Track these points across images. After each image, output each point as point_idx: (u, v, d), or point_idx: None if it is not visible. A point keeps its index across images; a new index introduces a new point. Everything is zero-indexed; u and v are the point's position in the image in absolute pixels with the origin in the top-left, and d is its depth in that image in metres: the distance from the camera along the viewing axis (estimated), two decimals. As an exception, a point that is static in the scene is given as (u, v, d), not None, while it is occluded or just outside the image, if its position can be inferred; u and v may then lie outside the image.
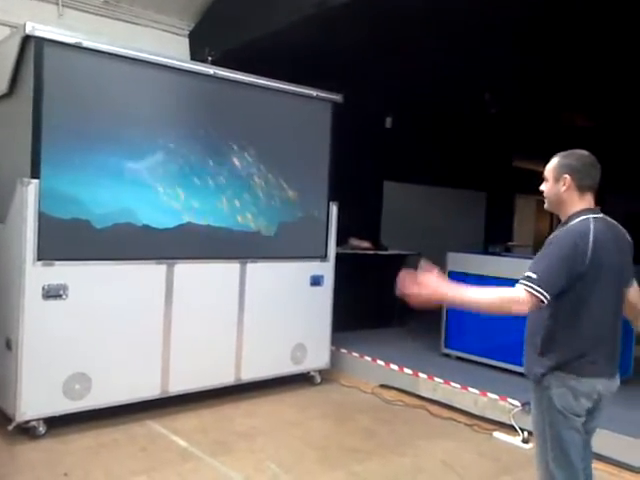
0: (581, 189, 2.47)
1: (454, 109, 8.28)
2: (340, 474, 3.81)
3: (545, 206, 2.62)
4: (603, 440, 4.15)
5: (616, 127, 9.06)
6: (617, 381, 2.54)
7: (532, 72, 6.63)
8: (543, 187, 2.57)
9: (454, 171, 9.55)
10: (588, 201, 2.49)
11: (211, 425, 4.50)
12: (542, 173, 2.58)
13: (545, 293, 2.28)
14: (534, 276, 2.30)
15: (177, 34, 6.55)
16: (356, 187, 7.52)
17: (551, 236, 2.46)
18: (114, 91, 4.31)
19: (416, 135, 8.77)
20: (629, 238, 2.59)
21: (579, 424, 2.43)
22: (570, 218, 2.47)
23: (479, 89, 7.40)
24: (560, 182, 2.48)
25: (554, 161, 2.54)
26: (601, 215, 2.49)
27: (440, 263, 6.19)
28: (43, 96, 3.94)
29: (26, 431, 4.04)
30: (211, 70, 4.82)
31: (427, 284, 2.37)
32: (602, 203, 2.58)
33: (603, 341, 2.45)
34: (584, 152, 2.54)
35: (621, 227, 2.57)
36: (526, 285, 2.30)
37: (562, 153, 2.55)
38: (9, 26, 5.13)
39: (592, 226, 2.39)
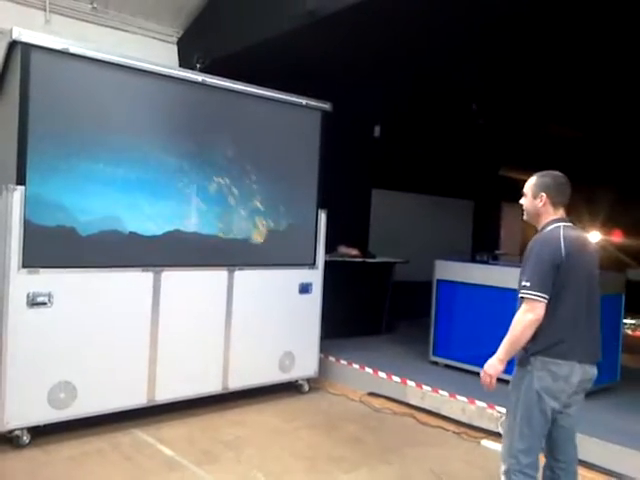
0: (555, 205, 2.94)
1: (442, 119, 8.34)
2: (328, 483, 3.79)
3: (524, 217, 3.07)
4: (591, 447, 4.18)
5: (602, 138, 9.16)
6: (595, 370, 2.90)
7: (519, 83, 6.70)
8: (523, 201, 3.03)
9: (442, 180, 9.60)
10: (560, 213, 2.95)
11: (198, 434, 4.46)
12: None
13: (542, 293, 2.72)
14: (528, 284, 2.74)
15: (166, 41, 6.53)
16: (345, 195, 7.53)
17: (530, 243, 2.89)
18: (101, 98, 4.29)
19: (404, 144, 8.82)
20: (594, 243, 3.09)
21: (550, 408, 2.79)
22: (544, 227, 2.93)
23: (467, 100, 7.47)
24: (537, 199, 2.95)
25: (533, 180, 3.00)
26: (570, 224, 2.94)
27: (428, 271, 6.28)
28: (29, 102, 3.91)
29: (9, 440, 3.98)
30: (200, 77, 4.81)
31: (486, 372, 2.86)
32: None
33: (579, 328, 2.82)
34: (558, 173, 2.99)
35: (586, 234, 3.11)
36: (525, 294, 2.75)
37: (540, 173, 2.99)
38: (-5, 31, 5.09)
39: (562, 230, 2.85)
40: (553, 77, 6.36)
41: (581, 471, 4.10)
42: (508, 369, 2.93)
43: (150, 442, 4.25)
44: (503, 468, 2.86)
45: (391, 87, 6.80)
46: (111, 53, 4.31)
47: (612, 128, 8.55)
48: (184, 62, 6.31)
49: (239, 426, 4.70)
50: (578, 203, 11.39)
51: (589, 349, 2.86)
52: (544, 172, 3.00)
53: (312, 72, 5.95)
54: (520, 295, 2.78)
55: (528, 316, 2.72)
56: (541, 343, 2.77)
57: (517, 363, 2.90)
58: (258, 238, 5.21)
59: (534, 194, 2.96)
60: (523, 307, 2.76)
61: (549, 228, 2.89)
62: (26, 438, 4.01)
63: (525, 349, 2.81)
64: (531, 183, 3.00)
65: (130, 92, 4.47)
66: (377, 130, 8.42)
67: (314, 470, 3.99)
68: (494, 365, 2.81)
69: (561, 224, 2.89)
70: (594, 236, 12.45)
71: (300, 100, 5.38)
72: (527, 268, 2.79)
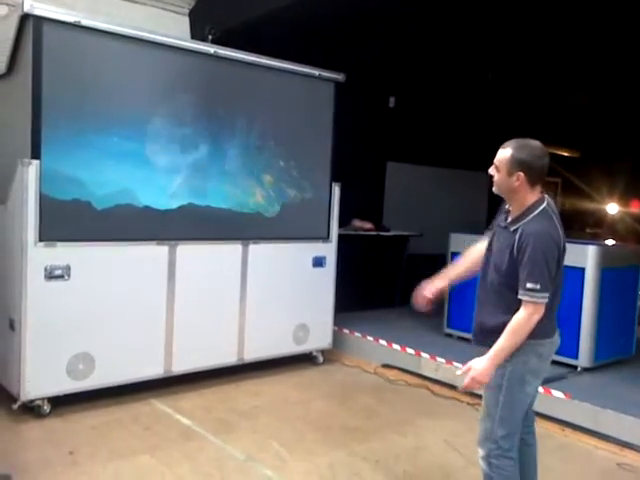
0: (533, 184, 2.57)
1: (458, 89, 8.21)
2: (342, 453, 3.84)
3: (493, 189, 2.70)
4: (606, 419, 4.19)
5: (620, 107, 8.98)
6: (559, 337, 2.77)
7: (535, 51, 6.56)
8: (493, 173, 2.64)
9: (457, 151, 9.49)
10: (538, 190, 2.61)
11: (214, 404, 4.53)
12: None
13: (547, 294, 2.49)
14: (538, 286, 2.46)
15: (177, 12, 6.45)
16: (359, 168, 7.48)
17: (523, 236, 2.51)
18: (114, 70, 4.27)
19: (419, 115, 8.71)
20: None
21: (535, 388, 2.68)
22: (529, 210, 2.58)
23: (482, 69, 7.33)
24: (513, 177, 2.55)
25: (507, 153, 2.57)
26: (549, 200, 2.64)
27: (443, 244, 6.25)
28: (42, 76, 3.90)
29: (31, 410, 4.08)
30: (211, 49, 4.77)
31: (477, 380, 2.55)
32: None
33: (557, 305, 2.68)
34: (536, 144, 2.58)
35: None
36: (532, 297, 2.48)
37: (514, 144, 2.57)
38: (7, 5, 5.07)
39: (552, 214, 2.58)
40: (570, 44, 6.22)
41: (596, 442, 4.15)
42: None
43: (168, 412, 4.33)
44: (482, 453, 2.69)
45: (406, 56, 6.69)
46: (123, 25, 4.27)
47: (630, 97, 8.36)
48: (196, 34, 6.25)
49: (255, 396, 4.76)
50: (595, 174, 11.29)
51: (555, 319, 2.72)
52: (520, 142, 2.57)
53: (325, 42, 5.86)
54: (528, 300, 2.48)
55: (534, 319, 2.49)
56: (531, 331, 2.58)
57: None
58: (272, 212, 5.20)
59: (509, 171, 2.55)
60: (529, 311, 2.48)
61: (536, 212, 2.56)
62: (47, 408, 4.10)
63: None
64: (505, 157, 2.57)
65: (142, 65, 4.44)
66: (392, 101, 8.31)
67: (329, 439, 4.05)
68: (488, 371, 2.53)
69: (544, 205, 2.58)
70: (612, 208, 12.32)
71: (313, 71, 5.32)
72: (532, 267, 2.47)
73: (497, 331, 2.55)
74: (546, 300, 2.49)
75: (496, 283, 2.64)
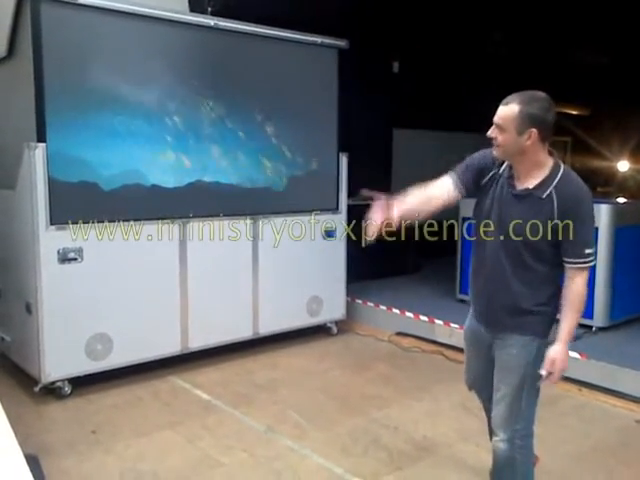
0: (545, 140, 2.32)
1: (464, 50, 8.04)
2: (361, 421, 3.88)
3: (495, 153, 2.42)
4: (624, 377, 4.20)
5: (630, 63, 8.77)
6: None
7: (542, 7, 6.40)
8: (494, 135, 2.35)
9: (465, 115, 9.36)
10: (547, 145, 2.37)
11: (232, 378, 4.58)
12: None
13: None
14: (591, 250, 2.33)
15: (175, -14, 6.34)
16: (365, 136, 7.39)
17: (564, 199, 2.29)
18: (115, 48, 4.21)
19: (425, 79, 8.56)
20: None
21: None
22: (554, 170, 2.35)
23: (489, 28, 7.17)
24: (525, 135, 2.27)
25: (514, 109, 2.27)
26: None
27: (453, 210, 6.20)
28: (43, 56, 3.86)
29: (52, 392, 4.14)
30: (212, 21, 4.69)
31: (559, 368, 2.35)
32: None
33: None
34: (543, 95, 2.31)
35: None
36: (589, 263, 2.33)
37: (520, 98, 2.28)
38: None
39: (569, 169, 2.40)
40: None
41: (613, 400, 4.16)
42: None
43: (187, 388, 4.39)
44: (504, 436, 2.49)
45: (408, 19, 6.55)
46: (120, 1, 4.19)
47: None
48: (195, 7, 6.13)
49: (272, 369, 4.81)
50: (606, 132, 11.11)
51: None
52: (526, 95, 2.29)
53: (325, 8, 5.74)
54: (584, 267, 2.32)
55: (586, 286, 2.34)
56: (558, 307, 2.43)
57: (524, 331, 2.44)
58: (280, 185, 5.18)
59: (519, 129, 2.26)
60: (583, 278, 2.33)
61: (564, 171, 2.35)
62: (68, 389, 4.16)
63: (539, 314, 2.42)
64: (513, 113, 2.26)
65: (142, 41, 4.38)
66: (396, 66, 8.18)
67: (347, 408, 4.09)
68: (566, 356, 2.35)
69: (559, 162, 2.39)
70: (623, 165, 12.17)
71: (315, 39, 5.22)
72: (587, 230, 2.32)
73: (536, 312, 2.41)
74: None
75: (527, 259, 2.38)
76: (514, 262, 2.41)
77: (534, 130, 2.26)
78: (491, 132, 2.37)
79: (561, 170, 2.35)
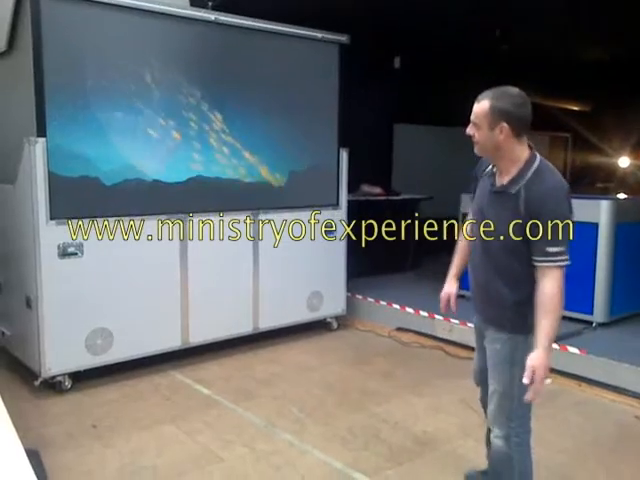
0: (518, 134, 2.30)
1: (464, 46, 8.01)
2: (361, 416, 3.89)
3: (475, 150, 2.42)
4: (623, 373, 4.20)
5: (631, 59, 8.75)
6: None
7: (544, 4, 6.37)
8: (472, 132, 2.37)
9: (466, 110, 9.35)
10: (525, 141, 2.35)
11: (232, 373, 4.59)
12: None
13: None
14: (562, 248, 2.23)
15: (175, -20, 6.32)
16: (366, 132, 7.38)
17: (532, 195, 2.26)
18: (115, 42, 4.20)
19: (426, 75, 8.54)
20: None
21: None
22: (527, 166, 2.32)
23: (490, 25, 7.14)
24: (496, 130, 2.28)
25: (485, 105, 2.29)
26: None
27: (454, 206, 6.20)
28: (43, 50, 3.85)
29: (52, 386, 4.15)
30: (212, 16, 4.67)
31: (540, 375, 2.22)
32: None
33: None
34: (515, 90, 2.31)
35: None
36: (559, 262, 2.24)
37: (491, 94, 2.31)
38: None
39: (548, 163, 2.36)
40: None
41: (613, 396, 4.17)
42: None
43: (187, 382, 4.39)
44: (499, 433, 2.47)
45: (410, 15, 6.52)
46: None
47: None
48: (195, 1, 6.12)
49: (272, 364, 4.81)
50: (607, 128, 11.10)
51: None
52: (497, 91, 2.31)
53: (327, 3, 5.72)
54: (553, 266, 2.23)
55: (562, 284, 2.24)
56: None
57: (505, 327, 2.44)
58: (280, 180, 5.17)
59: (490, 124, 2.27)
60: (556, 278, 2.23)
61: (538, 166, 2.31)
62: (68, 383, 4.17)
63: (519, 311, 2.38)
64: (484, 110, 2.29)
65: (143, 35, 4.37)
66: (397, 61, 8.16)
67: (347, 403, 4.10)
68: (546, 361, 2.22)
69: (537, 155, 2.34)
70: (623, 161, 12.15)
71: (316, 34, 5.21)
72: (553, 228, 2.21)
73: (516, 309, 2.38)
74: (568, 262, 2.23)
75: (504, 256, 2.38)
76: (494, 260, 2.42)
77: (505, 125, 2.26)
78: (469, 130, 2.39)
79: (534, 165, 2.31)
